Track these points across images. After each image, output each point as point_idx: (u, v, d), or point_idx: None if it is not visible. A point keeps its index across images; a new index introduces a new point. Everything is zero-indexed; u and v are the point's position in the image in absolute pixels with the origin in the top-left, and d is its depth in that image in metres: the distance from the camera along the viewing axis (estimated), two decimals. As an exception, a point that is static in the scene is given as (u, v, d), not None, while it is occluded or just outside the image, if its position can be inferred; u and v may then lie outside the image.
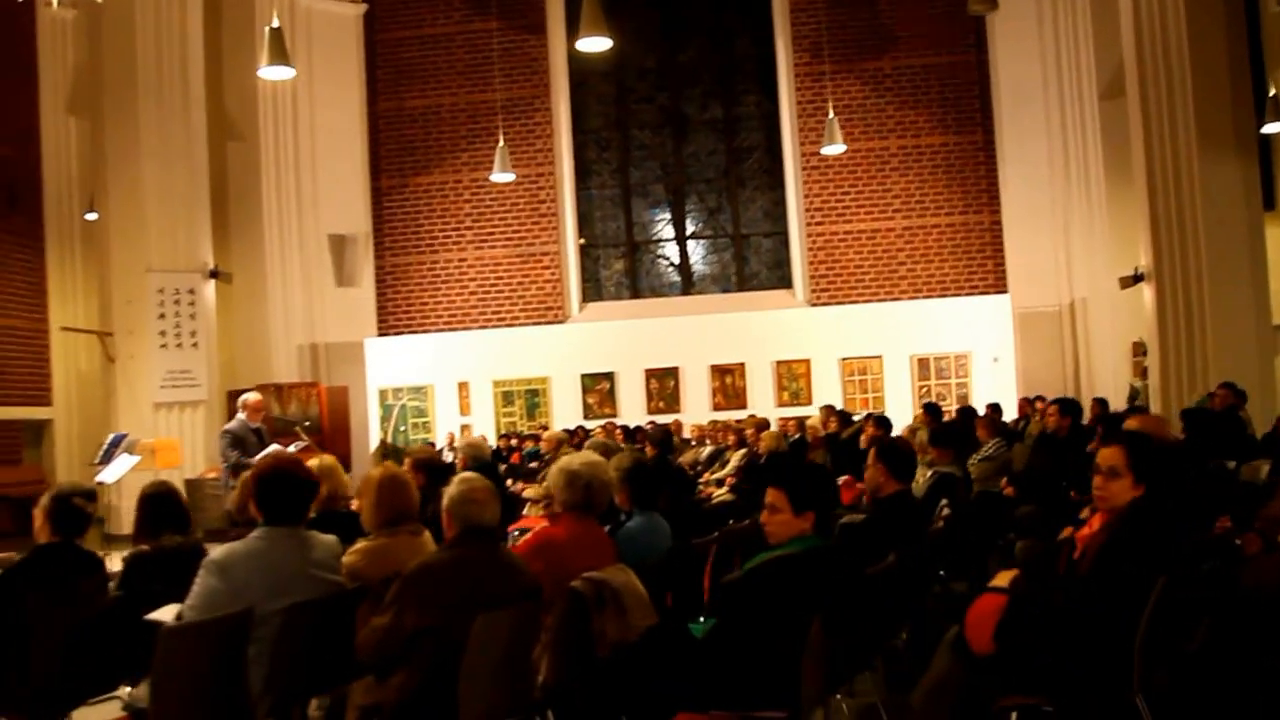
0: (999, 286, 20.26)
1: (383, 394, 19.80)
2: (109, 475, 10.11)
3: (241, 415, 10.14)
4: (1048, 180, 19.75)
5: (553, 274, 21.05)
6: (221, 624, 3.79)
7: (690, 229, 21.70)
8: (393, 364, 20.06)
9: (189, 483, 15.63)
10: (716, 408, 19.49)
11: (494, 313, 21.02)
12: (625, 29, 20.82)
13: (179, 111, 16.47)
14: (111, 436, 11.11)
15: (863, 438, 11.06)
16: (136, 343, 16.04)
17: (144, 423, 15.95)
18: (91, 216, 18.29)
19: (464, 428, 19.21)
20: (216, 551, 4.09)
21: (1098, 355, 19.34)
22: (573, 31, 21.14)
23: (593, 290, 21.64)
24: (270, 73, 12.26)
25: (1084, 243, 19.33)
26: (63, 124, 20.08)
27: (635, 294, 21.63)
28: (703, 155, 21.71)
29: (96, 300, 19.93)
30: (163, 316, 16.14)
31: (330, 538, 4.40)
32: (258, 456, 9.71)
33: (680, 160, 21.68)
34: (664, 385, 19.77)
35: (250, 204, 19.25)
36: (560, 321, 20.86)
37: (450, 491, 4.09)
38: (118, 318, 16.09)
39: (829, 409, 13.95)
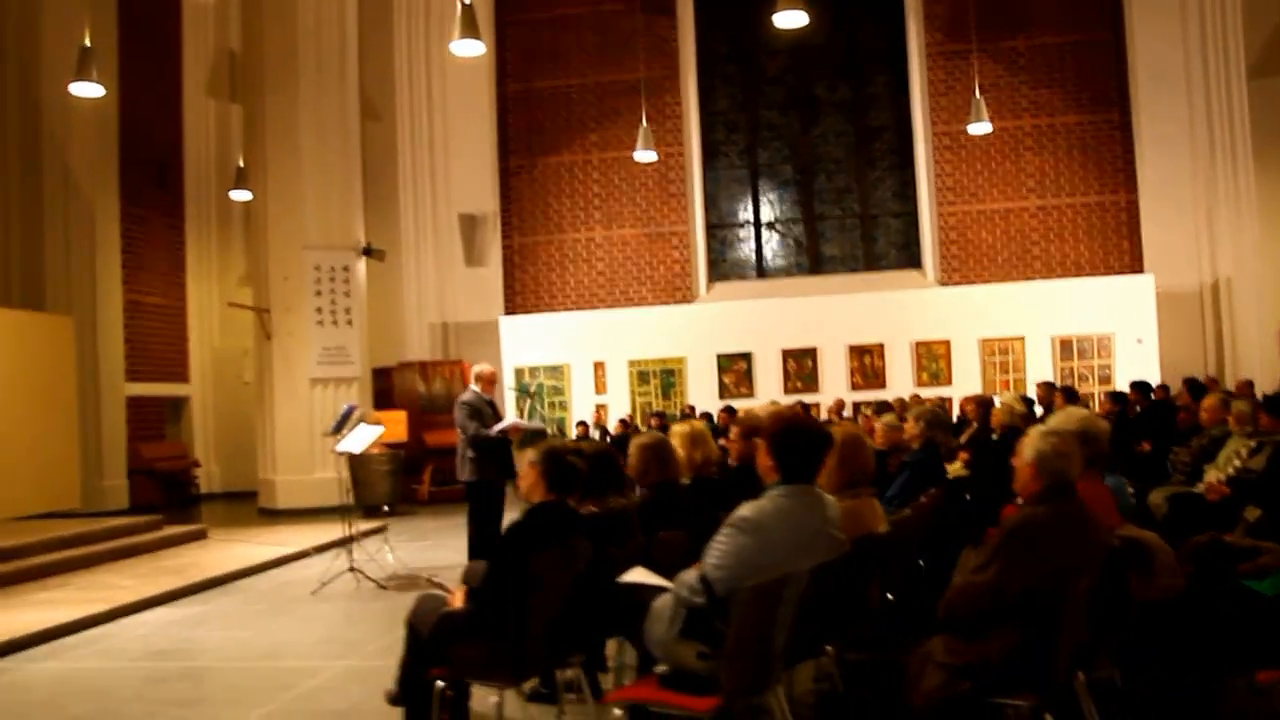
0: (1135, 267, 19.92)
1: (518, 373, 19.69)
2: (354, 445, 10.06)
3: (475, 387, 10.06)
4: (1189, 159, 19.47)
5: (681, 254, 20.95)
6: (779, 584, 3.64)
7: (818, 209, 21.38)
8: (522, 343, 19.95)
9: (353, 459, 15.64)
10: (855, 388, 19.32)
11: (621, 292, 20.98)
12: (755, 9, 20.67)
13: (335, 92, 16.70)
14: (344, 408, 11.01)
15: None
16: (294, 319, 16.16)
17: (299, 399, 16.05)
18: (236, 195, 18.32)
19: (599, 407, 19.08)
20: (745, 509, 4.11)
21: (1242, 336, 18.94)
22: (701, 12, 21.08)
23: (719, 270, 21.40)
24: (461, 47, 12.15)
25: (1230, 222, 19.04)
26: (203, 106, 20.24)
27: (761, 274, 21.37)
28: (831, 136, 21.41)
29: (232, 278, 20.08)
30: (319, 293, 16.14)
31: (830, 497, 4.23)
32: (495, 428, 9.67)
33: (808, 141, 21.39)
34: (802, 366, 19.60)
35: (386, 183, 19.35)
36: (689, 301, 20.78)
37: (1040, 447, 3.86)
38: (275, 294, 16.23)
39: (1048, 385, 13.58)
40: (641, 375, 19.49)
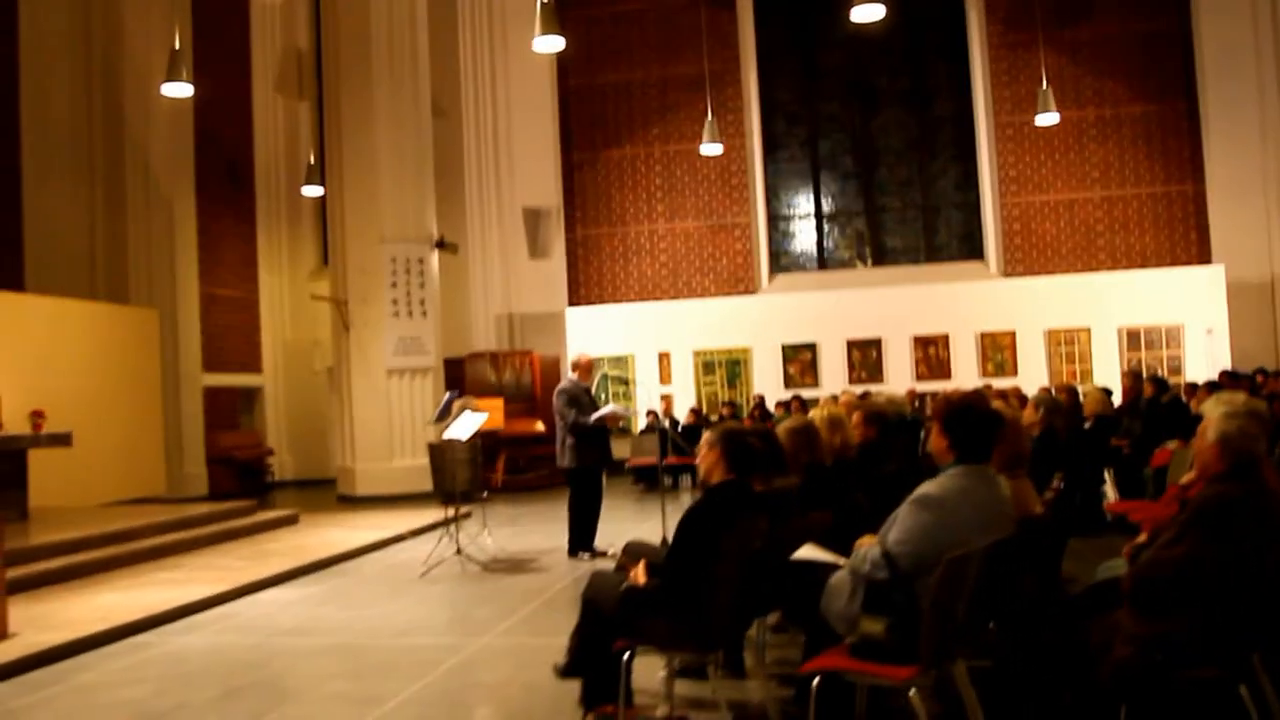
0: (1202, 258, 20.04)
1: (583, 364, 19.99)
2: (461, 431, 10.38)
3: (573, 375, 10.43)
4: (1259, 149, 19.59)
5: (743, 245, 21.23)
6: (966, 559, 3.90)
7: (879, 200, 21.60)
8: (587, 334, 20.28)
9: (433, 447, 15.99)
10: (919, 378, 19.59)
11: (684, 284, 21.27)
12: (811, 3, 20.95)
13: (409, 88, 17.06)
14: (447, 396, 11.38)
15: (1195, 402, 11.06)
16: (371, 310, 16.49)
17: (376, 389, 16.43)
18: (308, 191, 18.70)
19: (664, 397, 19.37)
20: (928, 487, 4.33)
21: (1313, 327, 19.08)
22: (761, 4, 21.31)
23: (780, 262, 21.66)
24: (542, 44, 12.41)
25: (1301, 213, 19.05)
26: (272, 104, 20.69)
27: (823, 265, 21.62)
28: (892, 127, 21.62)
29: (303, 271, 20.51)
30: (395, 285, 16.52)
31: (1001, 477, 4.48)
32: (594, 415, 10.00)
33: (869, 132, 21.61)
34: (866, 355, 19.87)
35: (452, 177, 19.70)
36: (751, 292, 21.06)
37: (1224, 427, 4.07)
38: (352, 286, 16.62)
39: (1134, 374, 13.80)
40: (707, 365, 19.77)
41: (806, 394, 18.93)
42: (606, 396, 20.03)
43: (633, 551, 5.75)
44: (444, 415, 11.03)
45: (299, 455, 20.89)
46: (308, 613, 8.45)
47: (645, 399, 19.70)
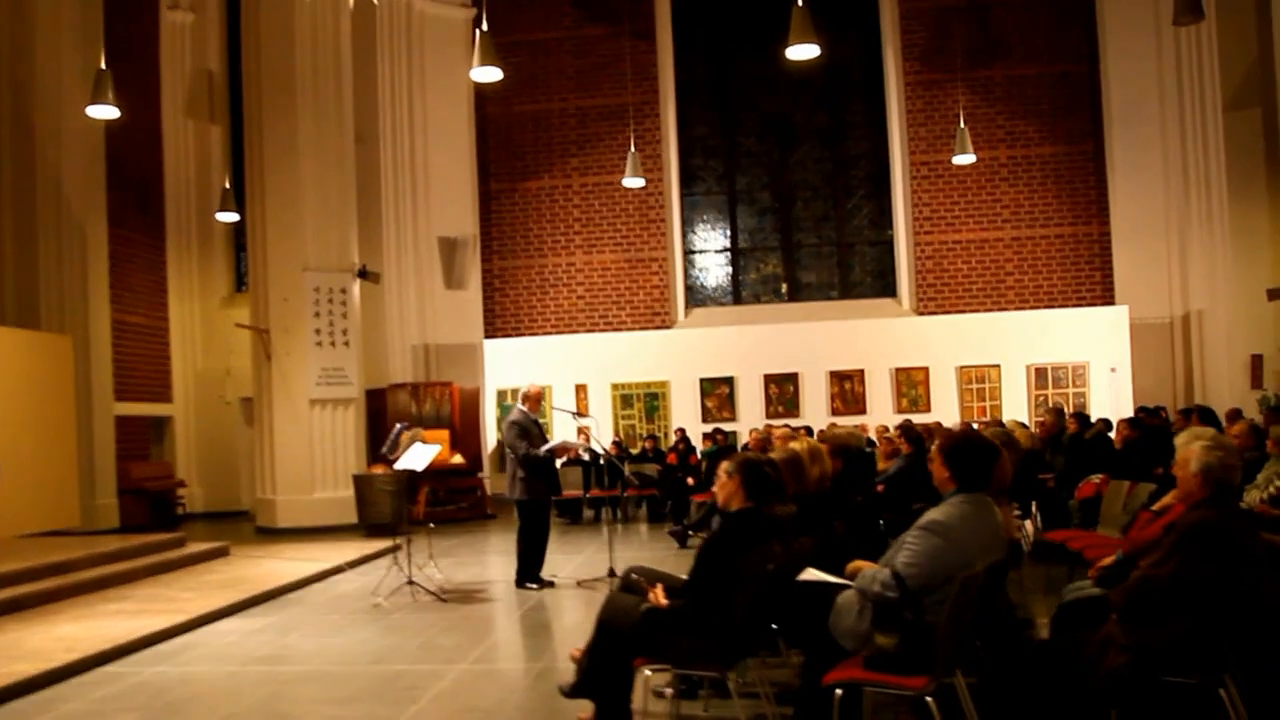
0: (1106, 298, 21.15)
1: (500, 395, 20.42)
2: (416, 462, 10.70)
3: (523, 406, 10.82)
4: (1162, 192, 20.79)
5: (660, 279, 21.86)
6: (974, 580, 4.47)
7: (795, 236, 22.43)
8: (504, 366, 20.69)
9: (358, 479, 16.29)
10: (835, 413, 20.30)
11: (600, 317, 21.78)
12: (730, 37, 21.76)
13: (333, 115, 17.44)
14: (397, 427, 11.74)
15: (1116, 437, 11.88)
16: (293, 340, 16.72)
17: (299, 419, 16.63)
18: (223, 217, 18.79)
19: (581, 430, 19.79)
20: (935, 514, 4.86)
21: (1211, 367, 20.23)
22: (680, 38, 22.02)
23: (696, 296, 22.33)
24: (480, 74, 12.82)
25: (1203, 255, 20.35)
26: (182, 128, 20.75)
27: (738, 300, 22.34)
28: (809, 163, 22.48)
29: (214, 299, 20.59)
30: (318, 315, 16.77)
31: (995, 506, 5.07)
32: (544, 448, 10.45)
33: (786, 168, 22.46)
34: (784, 390, 20.57)
35: (369, 206, 19.89)
36: (667, 326, 21.61)
37: (1206, 459, 4.68)
38: (274, 315, 16.79)
39: (1056, 411, 14.59)
40: (625, 398, 20.26)
41: (725, 427, 19.58)
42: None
43: (639, 576, 6.25)
44: (394, 447, 11.35)
45: (209, 487, 20.89)
46: (274, 641, 8.72)
47: (560, 431, 20.12)
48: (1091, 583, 5.91)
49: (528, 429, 10.85)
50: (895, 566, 4.77)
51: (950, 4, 21.69)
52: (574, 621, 9.33)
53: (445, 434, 17.44)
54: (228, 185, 18.77)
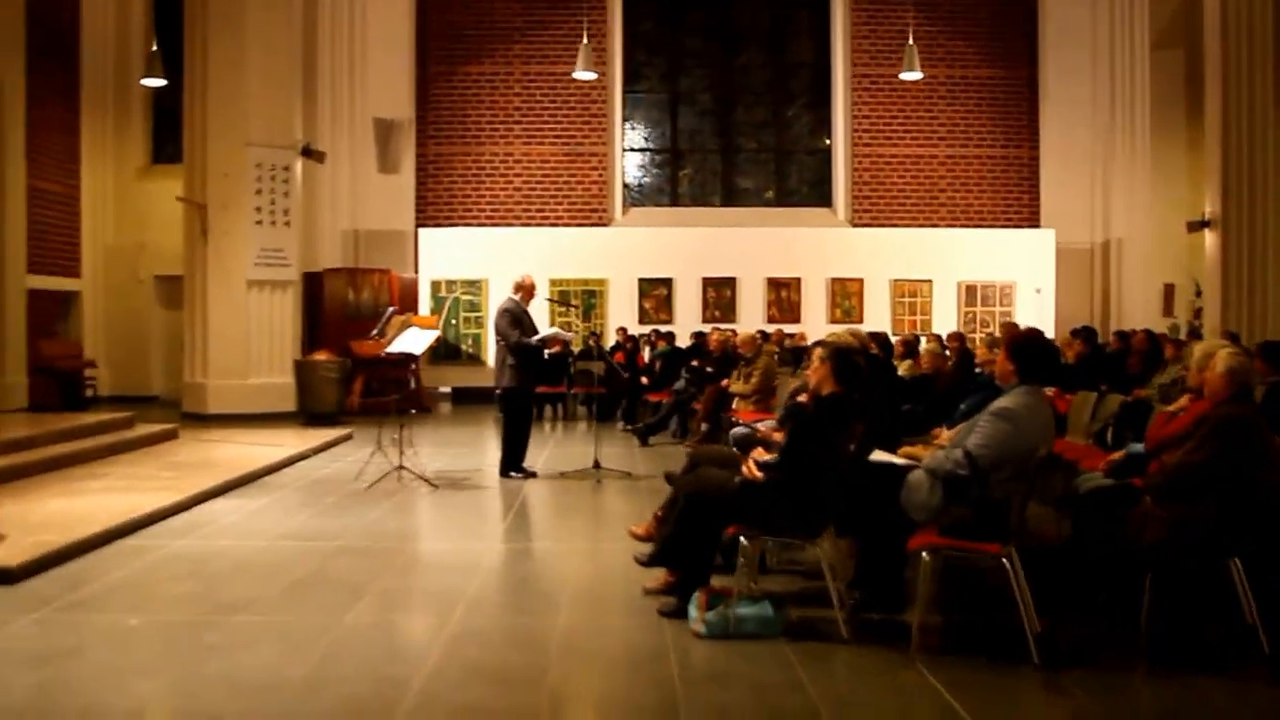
0: (1033, 221, 21.90)
1: (435, 285, 20.34)
2: (413, 346, 10.71)
3: (515, 296, 10.88)
4: (1089, 122, 21.63)
5: (599, 175, 21.89)
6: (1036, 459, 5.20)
7: (734, 140, 22.63)
8: (437, 256, 20.55)
9: (299, 364, 16.18)
10: (770, 320, 20.69)
11: (537, 211, 21.76)
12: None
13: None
14: (389, 310, 11.70)
15: (1069, 353, 12.46)
16: (231, 218, 16.41)
17: (235, 301, 16.38)
18: (150, 83, 18.08)
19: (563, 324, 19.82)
20: (1006, 401, 5.43)
21: (1128, 293, 21.23)
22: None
23: (634, 195, 22.46)
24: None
25: (1125, 186, 21.30)
26: (104, -19, 19.85)
27: (675, 201, 22.54)
28: (751, 68, 22.63)
29: (130, 169, 20.02)
30: (259, 192, 16.48)
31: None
32: (537, 337, 10.59)
33: (729, 70, 22.58)
34: (721, 295, 20.86)
35: (305, 82, 19.33)
36: (604, 224, 21.68)
37: (1232, 363, 5.43)
38: (212, 191, 16.43)
39: (959, 336, 15.05)
40: (563, 295, 20.30)
41: (662, 329, 19.77)
42: (458, 320, 20.41)
43: (717, 451, 6.59)
44: (383, 331, 11.33)
45: (117, 369, 20.33)
46: (286, 520, 8.76)
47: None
48: (1101, 474, 6.63)
49: (520, 318, 10.96)
50: (968, 447, 5.35)
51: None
52: (584, 506, 9.59)
53: (435, 319, 17.35)
54: (155, 48, 17.98)
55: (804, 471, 5.69)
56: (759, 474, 5.87)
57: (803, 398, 6.99)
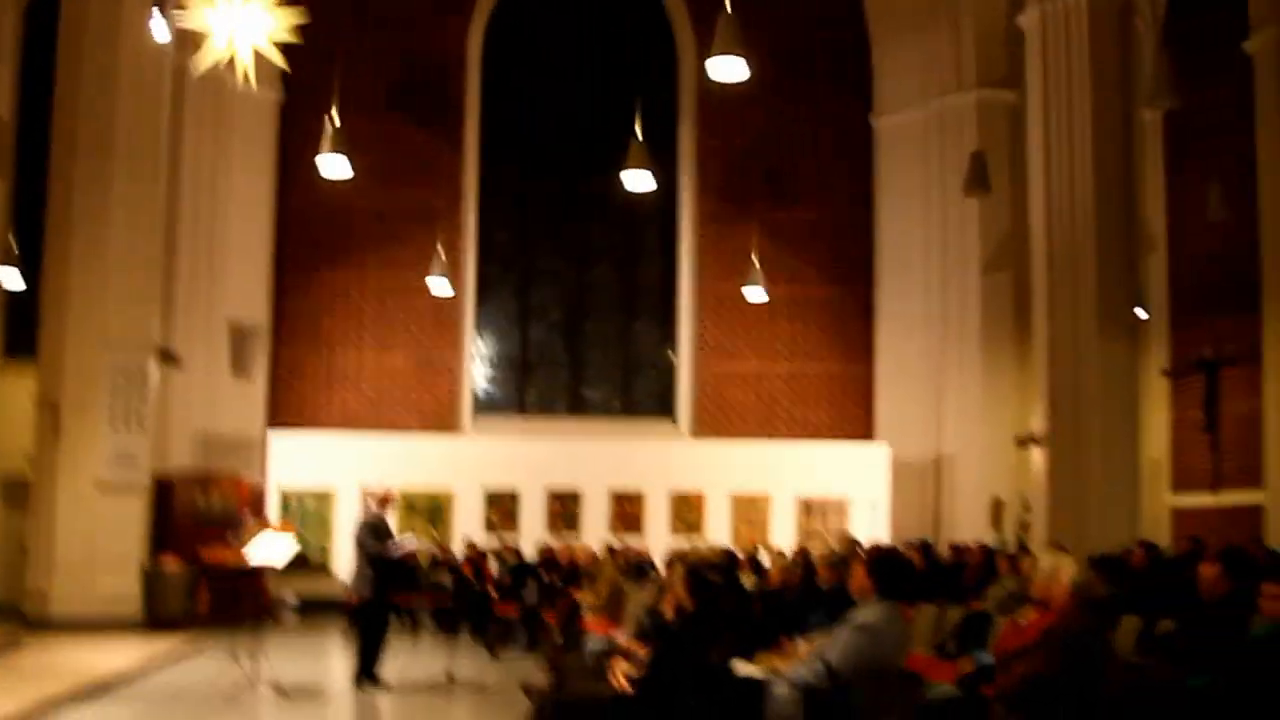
0: (869, 435, 23.05)
1: (284, 494, 20.39)
2: (275, 556, 10.92)
3: (375, 508, 11.26)
4: (922, 340, 22.88)
5: (449, 385, 22.43)
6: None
7: (582, 353, 23.51)
8: (287, 463, 20.66)
9: (148, 570, 16.09)
10: (615, 530, 21.15)
11: (387, 418, 22.12)
12: (533, 157, 22.95)
13: (148, 187, 17.43)
14: (246, 514, 11.91)
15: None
16: (86, 419, 16.39)
17: (84, 504, 16.25)
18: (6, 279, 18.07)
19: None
20: (865, 616, 5.95)
21: (960, 507, 22.29)
22: (487, 142, 22.98)
23: (482, 404, 23.03)
24: (328, 164, 13.39)
25: (955, 403, 22.46)
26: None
27: (524, 411, 23.16)
28: (601, 284, 23.72)
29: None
30: (115, 395, 16.58)
31: None
32: (396, 550, 10.99)
33: (580, 285, 23.59)
34: (566, 507, 21.32)
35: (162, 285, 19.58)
36: (453, 433, 22.10)
37: (1076, 577, 6.03)
38: (67, 391, 16.37)
39: (853, 542, 15.78)
40: (411, 506, 20.53)
41: (509, 540, 20.11)
42: (306, 529, 20.42)
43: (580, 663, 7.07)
44: (240, 539, 11.56)
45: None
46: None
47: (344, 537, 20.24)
48: (952, 685, 7.17)
49: (378, 527, 11.34)
50: (828, 660, 5.86)
51: (746, 144, 23.51)
52: (443, 717, 9.84)
53: (291, 527, 17.34)
54: (13, 243, 18.02)
55: (672, 685, 6.14)
56: (628, 686, 6.32)
57: (666, 610, 7.51)
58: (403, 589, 11.83)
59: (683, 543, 19.80)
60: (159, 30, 12.81)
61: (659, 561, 17.15)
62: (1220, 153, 20.30)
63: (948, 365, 22.76)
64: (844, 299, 23.73)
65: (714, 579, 6.59)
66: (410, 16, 22.95)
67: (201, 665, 12.32)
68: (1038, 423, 19.03)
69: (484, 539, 20.31)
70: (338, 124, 13.73)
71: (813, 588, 10.35)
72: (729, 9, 9.71)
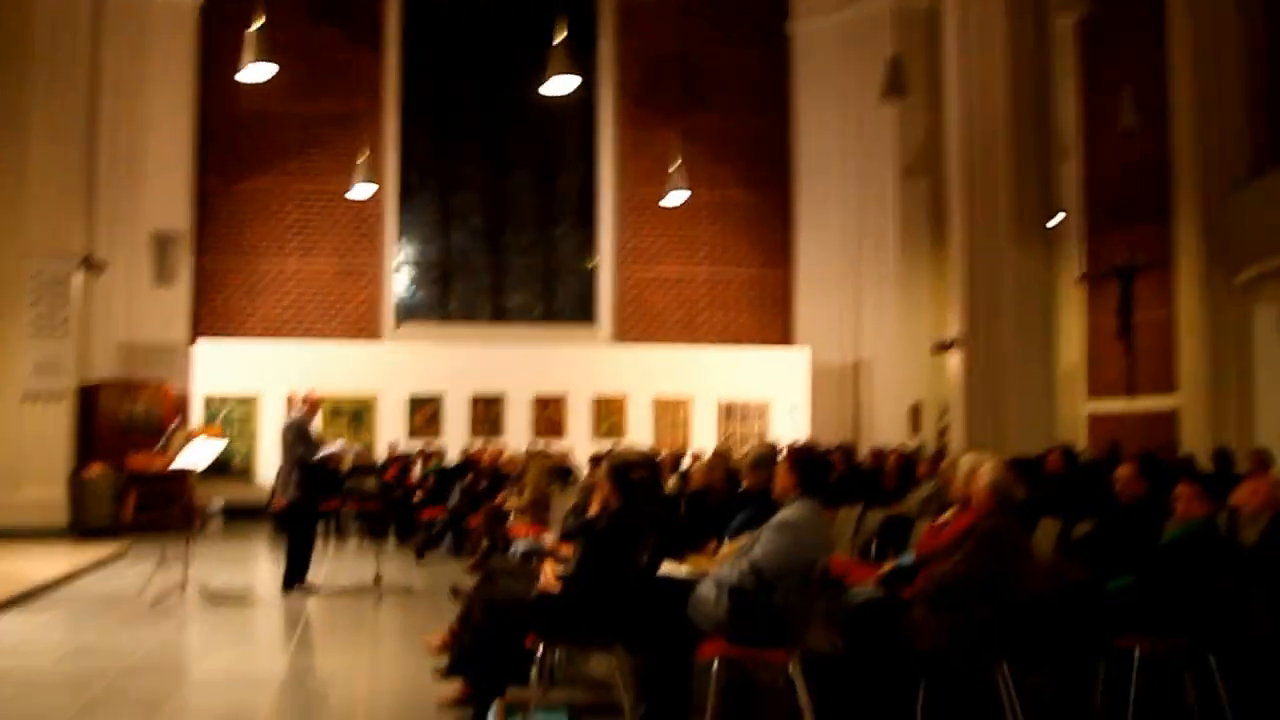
0: (788, 340, 23.57)
1: (208, 401, 20.55)
2: (198, 460, 11.15)
3: (301, 410, 11.50)
4: (840, 245, 23.32)
5: (371, 291, 22.57)
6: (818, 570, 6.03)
7: (504, 260, 23.69)
8: (210, 371, 20.80)
9: (73, 478, 16.26)
10: (538, 434, 21.57)
11: (310, 325, 22.28)
12: (453, 64, 22.90)
13: (70, 95, 17.36)
14: (172, 426, 12.08)
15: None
16: (6, 328, 16.49)
17: (7, 413, 16.37)
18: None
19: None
20: (788, 514, 6.17)
21: (879, 411, 22.92)
22: (408, 50, 22.90)
23: (404, 311, 23.21)
24: (253, 71, 13.43)
25: (873, 308, 22.98)
26: None
27: (446, 317, 23.39)
28: (522, 191, 23.85)
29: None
30: (35, 303, 16.64)
31: None
32: (320, 453, 11.27)
33: (500, 192, 23.70)
34: (489, 411, 21.68)
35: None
36: (375, 339, 22.32)
37: (995, 476, 6.30)
38: (-12, 299, 16.41)
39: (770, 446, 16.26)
40: (335, 411, 20.79)
41: (433, 444, 20.49)
42: (231, 434, 20.63)
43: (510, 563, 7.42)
44: (166, 446, 11.77)
45: None
46: (74, 638, 9.14)
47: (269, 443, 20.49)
48: (872, 586, 7.30)
49: (306, 433, 11.60)
50: (753, 559, 6.02)
51: (665, 50, 23.63)
52: (369, 621, 10.23)
53: (218, 429, 17.55)
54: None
55: (599, 583, 6.33)
56: (557, 585, 6.62)
57: (593, 510, 7.81)
58: (328, 494, 12.09)
59: (605, 446, 20.37)
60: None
61: (583, 464, 17.59)
62: (1134, 60, 20.87)
63: (866, 270, 23.26)
64: (764, 204, 24.09)
65: (639, 476, 6.78)
66: (330, -80, 22.73)
67: (129, 572, 12.58)
68: (954, 328, 19.55)
69: (407, 444, 20.74)
70: (259, 27, 13.65)
71: (734, 491, 10.72)
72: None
